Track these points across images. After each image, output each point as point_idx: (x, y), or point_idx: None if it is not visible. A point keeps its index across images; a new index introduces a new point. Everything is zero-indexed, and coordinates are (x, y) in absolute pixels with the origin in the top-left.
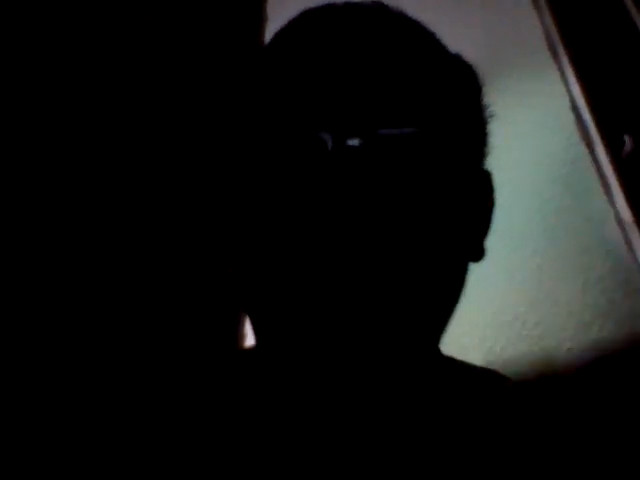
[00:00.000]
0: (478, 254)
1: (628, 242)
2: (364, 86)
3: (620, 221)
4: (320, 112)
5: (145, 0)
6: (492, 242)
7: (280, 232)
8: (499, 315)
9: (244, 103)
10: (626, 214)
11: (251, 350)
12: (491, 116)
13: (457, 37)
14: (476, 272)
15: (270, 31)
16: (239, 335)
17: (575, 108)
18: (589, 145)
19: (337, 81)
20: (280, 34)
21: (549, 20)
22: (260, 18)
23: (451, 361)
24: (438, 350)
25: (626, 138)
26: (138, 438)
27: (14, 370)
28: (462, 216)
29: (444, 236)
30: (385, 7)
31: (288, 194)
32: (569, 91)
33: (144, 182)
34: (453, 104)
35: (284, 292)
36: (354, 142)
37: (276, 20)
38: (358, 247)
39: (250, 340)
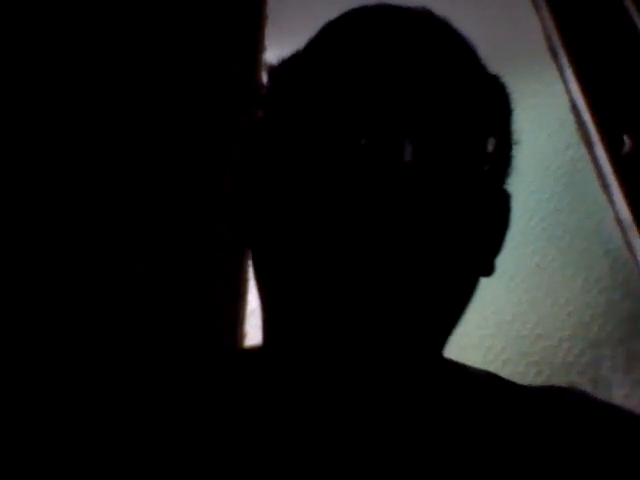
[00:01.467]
0: (488, 270)
1: (627, 242)
2: (404, 96)
3: (619, 221)
4: (358, 115)
5: (144, 0)
6: None
7: (302, 230)
8: (498, 315)
9: (284, 100)
10: (625, 214)
11: (253, 350)
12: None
13: None
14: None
15: (270, 31)
16: (239, 335)
17: (575, 108)
18: (588, 145)
19: (378, 88)
20: (327, 31)
21: (549, 20)
22: (260, 18)
23: (452, 365)
24: (440, 355)
25: (625, 138)
26: (138, 439)
27: (10, 370)
28: (478, 234)
29: (459, 251)
30: (433, 16)
31: (316, 192)
32: (569, 91)
33: (145, 180)
34: (486, 125)
35: (299, 290)
36: (394, 149)
37: (276, 20)
38: (377, 252)
39: (249, 340)
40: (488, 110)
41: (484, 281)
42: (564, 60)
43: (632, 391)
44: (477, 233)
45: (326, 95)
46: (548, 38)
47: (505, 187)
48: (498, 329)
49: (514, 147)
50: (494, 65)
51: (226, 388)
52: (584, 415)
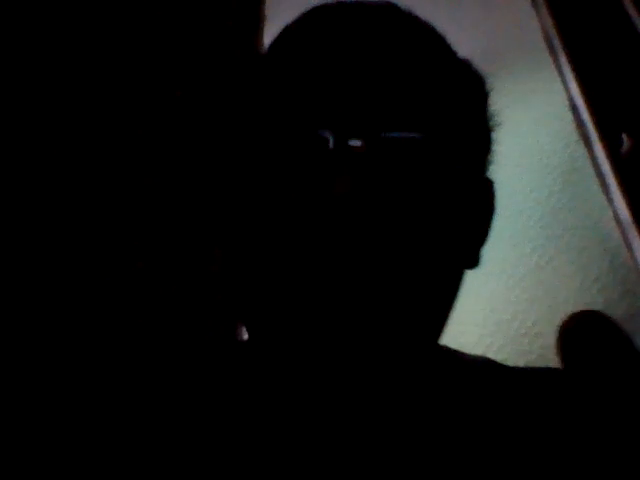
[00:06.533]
0: (473, 262)
1: (626, 241)
2: (370, 87)
3: (618, 220)
4: (323, 111)
5: (144, 0)
6: (490, 240)
7: (278, 231)
8: (497, 313)
9: (248, 100)
10: (624, 213)
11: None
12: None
13: (456, 36)
14: (474, 271)
15: (269, 30)
16: (238, 331)
17: (573, 107)
18: (587, 144)
19: (342, 81)
20: (288, 30)
21: (548, 20)
22: (258, 17)
23: (446, 350)
24: (436, 346)
25: (624, 137)
26: (132, 432)
27: (11, 369)
28: (460, 223)
29: (440, 242)
30: (396, 7)
31: (287, 193)
32: (567, 90)
33: (143, 181)
34: (459, 111)
35: (280, 291)
36: (356, 143)
37: (274, 19)
38: (355, 248)
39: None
40: (460, 95)
41: (483, 280)
42: (563, 59)
43: None
44: (458, 222)
45: (291, 96)
46: (547, 38)
47: (487, 175)
48: (497, 327)
49: (494, 131)
50: (493, 64)
51: (221, 381)
52: (576, 401)
